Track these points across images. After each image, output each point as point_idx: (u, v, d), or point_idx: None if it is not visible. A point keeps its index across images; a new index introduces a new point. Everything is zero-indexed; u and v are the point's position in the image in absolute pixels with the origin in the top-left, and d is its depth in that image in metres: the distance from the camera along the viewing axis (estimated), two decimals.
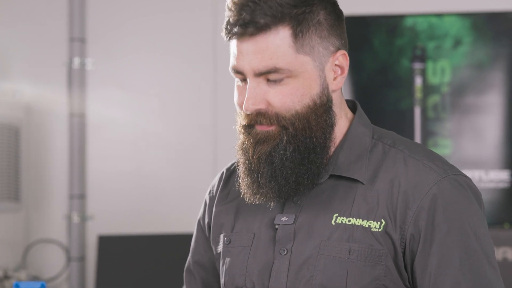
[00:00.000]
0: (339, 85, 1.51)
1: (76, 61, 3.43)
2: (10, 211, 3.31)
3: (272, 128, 1.47)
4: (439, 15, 3.25)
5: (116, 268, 3.22)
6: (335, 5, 1.50)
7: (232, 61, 1.48)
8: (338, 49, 1.50)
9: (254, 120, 1.47)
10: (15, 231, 3.38)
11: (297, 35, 1.44)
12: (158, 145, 3.44)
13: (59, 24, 3.47)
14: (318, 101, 1.47)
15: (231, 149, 1.54)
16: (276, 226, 1.52)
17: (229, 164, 1.69)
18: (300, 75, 1.45)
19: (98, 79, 3.45)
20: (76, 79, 3.43)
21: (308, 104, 1.46)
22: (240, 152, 1.51)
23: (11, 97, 3.35)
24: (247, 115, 1.48)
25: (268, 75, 1.45)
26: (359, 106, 1.58)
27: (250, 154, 1.49)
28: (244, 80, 1.48)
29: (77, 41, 3.43)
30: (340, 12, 1.51)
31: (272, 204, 1.52)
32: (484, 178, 3.22)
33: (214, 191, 1.68)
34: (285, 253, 1.49)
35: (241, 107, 1.49)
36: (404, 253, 1.46)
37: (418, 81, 3.25)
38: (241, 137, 1.51)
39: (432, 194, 1.45)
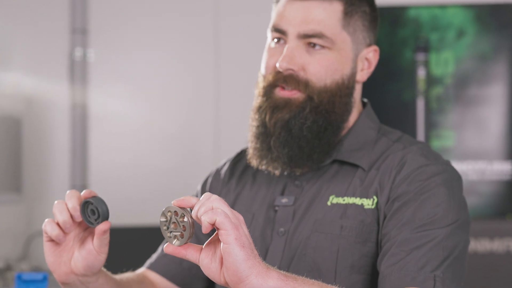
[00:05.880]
0: (364, 77, 1.57)
1: (78, 52, 3.42)
2: (12, 202, 3.31)
3: (295, 95, 1.50)
4: (442, 6, 3.23)
5: (118, 259, 3.20)
6: (376, 7, 1.60)
7: (275, 20, 1.53)
8: (372, 44, 1.57)
9: (281, 80, 1.50)
10: (17, 222, 3.38)
11: (347, 13, 1.52)
12: (159, 137, 3.43)
13: (61, 15, 3.46)
14: (346, 82, 1.53)
15: (233, 142, 1.54)
16: (276, 208, 1.54)
17: (233, 155, 1.70)
18: (338, 52, 1.51)
19: (100, 70, 3.44)
20: (78, 70, 3.42)
21: (337, 81, 1.52)
22: (255, 115, 1.54)
23: (13, 89, 3.35)
24: (275, 75, 1.51)
25: (311, 39, 1.50)
26: (369, 104, 1.62)
27: (267, 118, 1.51)
28: (279, 41, 1.53)
29: (79, 32, 3.42)
30: (378, 14, 1.60)
31: (275, 172, 1.53)
32: (487, 169, 3.20)
33: (222, 174, 1.67)
34: (283, 234, 1.51)
35: (269, 68, 1.53)
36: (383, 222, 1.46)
37: (421, 72, 3.24)
38: (259, 99, 1.53)
39: (415, 168, 1.46)
